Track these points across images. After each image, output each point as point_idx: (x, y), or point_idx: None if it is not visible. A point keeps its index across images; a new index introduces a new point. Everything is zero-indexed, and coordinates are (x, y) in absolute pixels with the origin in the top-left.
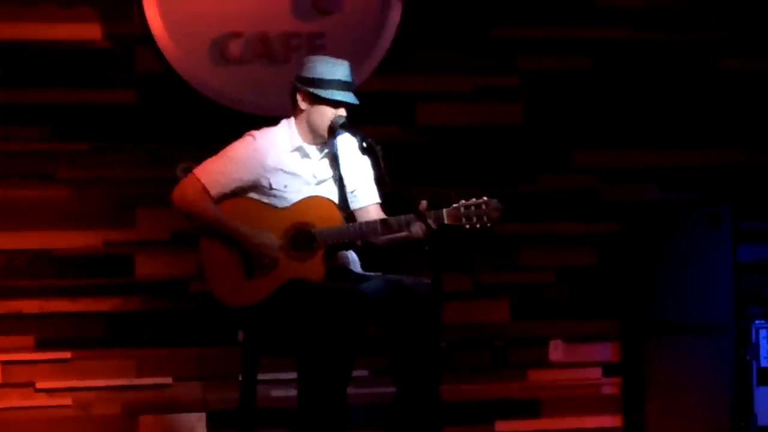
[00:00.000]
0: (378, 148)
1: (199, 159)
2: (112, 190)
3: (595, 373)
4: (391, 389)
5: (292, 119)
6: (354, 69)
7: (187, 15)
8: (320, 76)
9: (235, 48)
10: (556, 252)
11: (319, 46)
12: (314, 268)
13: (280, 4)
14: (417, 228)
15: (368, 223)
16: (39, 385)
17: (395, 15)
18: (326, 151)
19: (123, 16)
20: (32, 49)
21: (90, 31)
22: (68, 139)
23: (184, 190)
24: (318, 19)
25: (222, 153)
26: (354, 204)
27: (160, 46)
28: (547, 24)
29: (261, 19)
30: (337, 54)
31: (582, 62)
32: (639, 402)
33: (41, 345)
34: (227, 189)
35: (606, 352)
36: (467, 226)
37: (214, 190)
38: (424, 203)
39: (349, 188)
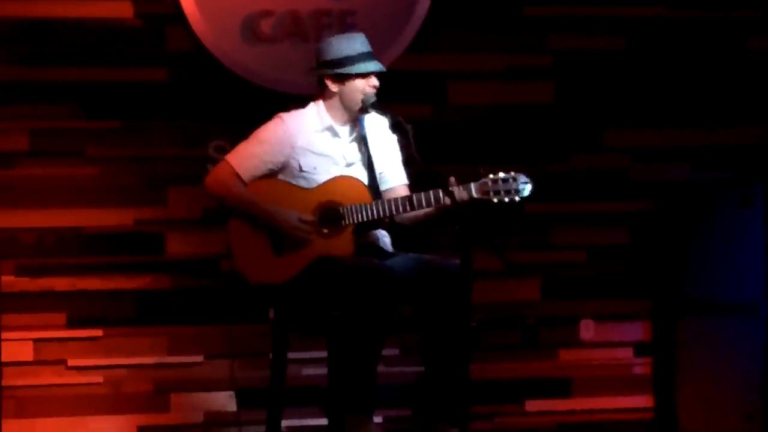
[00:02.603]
0: (409, 126)
1: (230, 137)
2: (142, 168)
3: (627, 352)
4: (422, 368)
5: (320, 101)
6: (376, 47)
7: None
8: (343, 54)
9: (266, 26)
10: (588, 231)
11: (350, 24)
12: (343, 245)
13: None
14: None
15: (395, 200)
16: (70, 362)
17: None
18: (355, 133)
19: None
20: (63, 27)
21: (121, 9)
22: (99, 117)
23: (216, 176)
24: None
25: (252, 136)
26: (382, 185)
27: (191, 24)
28: (580, 2)
29: None
30: (368, 32)
31: (614, 41)
32: (670, 382)
33: (72, 323)
34: (258, 172)
35: (637, 331)
36: (495, 200)
37: (246, 174)
38: (452, 179)
39: (377, 170)
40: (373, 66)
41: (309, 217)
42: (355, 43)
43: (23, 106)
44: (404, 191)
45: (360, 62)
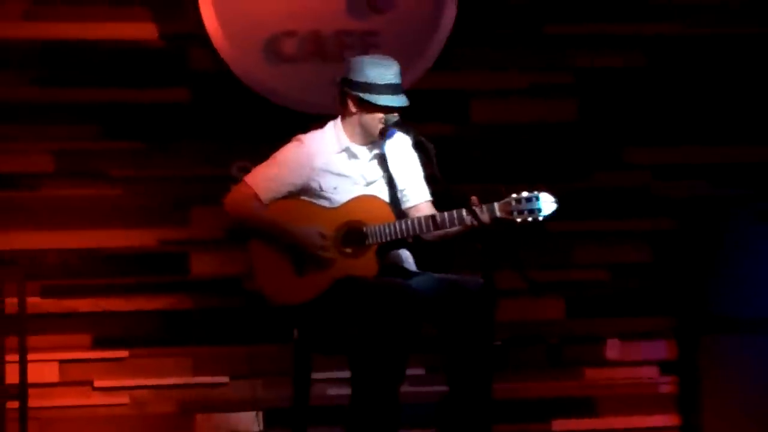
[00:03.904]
0: (431, 146)
1: (253, 157)
2: (166, 188)
3: (652, 371)
4: (447, 388)
5: (339, 120)
6: (401, 68)
7: (241, 14)
8: (372, 81)
9: (289, 46)
10: (611, 249)
11: (372, 44)
12: (366, 265)
13: (335, 3)
14: (470, 219)
15: (418, 219)
16: (96, 383)
17: (450, 13)
18: (375, 152)
19: (177, 15)
20: (86, 49)
21: (144, 31)
22: (123, 138)
23: (235, 198)
24: (372, 17)
25: (271, 158)
26: (405, 203)
27: (214, 45)
28: (601, 20)
29: (315, 17)
30: (391, 52)
31: (635, 59)
32: (695, 401)
33: (98, 344)
34: (278, 194)
35: (662, 350)
36: (519, 220)
37: (265, 196)
38: (474, 198)
39: (399, 187)
40: (396, 101)
41: (329, 233)
42: (386, 73)
43: (47, 128)
44: (428, 208)
45: (385, 94)
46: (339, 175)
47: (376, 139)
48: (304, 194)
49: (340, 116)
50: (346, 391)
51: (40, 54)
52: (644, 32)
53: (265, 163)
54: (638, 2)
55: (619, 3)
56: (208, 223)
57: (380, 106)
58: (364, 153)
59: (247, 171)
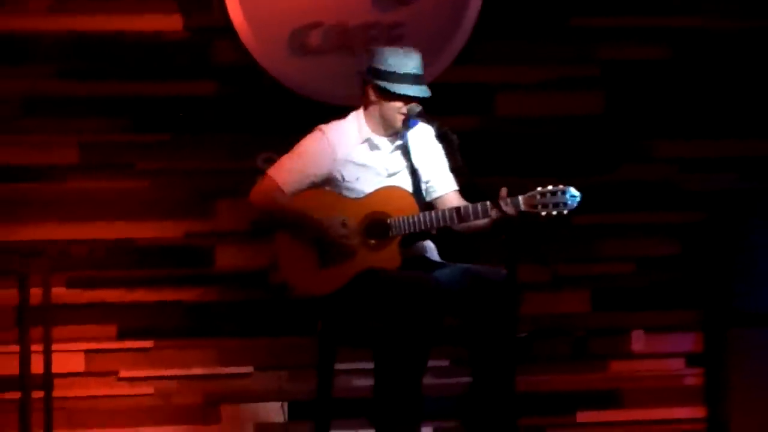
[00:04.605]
0: (454, 137)
1: (279, 149)
2: (191, 181)
3: (678, 363)
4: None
5: (361, 111)
6: (426, 60)
7: (267, 6)
8: (392, 69)
9: (314, 38)
10: (637, 242)
11: (397, 36)
12: (390, 257)
13: None
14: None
15: (443, 212)
16: (121, 374)
17: (475, 4)
18: (397, 143)
19: (202, 8)
20: (112, 41)
21: (169, 23)
22: (149, 130)
23: (259, 191)
24: (397, 9)
25: (293, 150)
26: (432, 194)
27: (240, 37)
28: (628, 13)
29: (340, 9)
30: (416, 44)
31: (661, 51)
32: (722, 393)
33: (123, 334)
34: (301, 185)
35: (689, 342)
36: (543, 213)
37: (289, 187)
38: (504, 190)
39: (423, 178)
40: (415, 91)
41: (353, 224)
42: (408, 62)
43: (73, 120)
44: (455, 198)
45: (405, 83)
46: (361, 165)
47: (397, 130)
48: (327, 184)
49: (362, 107)
50: (369, 382)
51: (66, 46)
52: (670, 24)
53: (287, 155)
54: None
55: None
56: (234, 215)
57: (398, 94)
58: (386, 144)
59: (273, 162)
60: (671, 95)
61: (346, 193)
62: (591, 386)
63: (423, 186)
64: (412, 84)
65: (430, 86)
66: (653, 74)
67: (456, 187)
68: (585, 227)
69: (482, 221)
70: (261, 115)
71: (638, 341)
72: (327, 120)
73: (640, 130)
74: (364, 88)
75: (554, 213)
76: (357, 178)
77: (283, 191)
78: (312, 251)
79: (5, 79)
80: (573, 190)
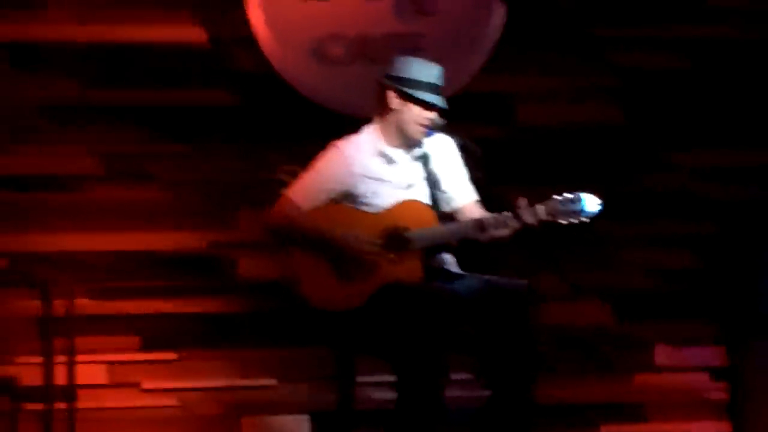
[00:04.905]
0: (477, 148)
1: (300, 160)
2: (213, 191)
3: (702, 377)
4: None
5: (377, 123)
6: (445, 70)
7: (289, 16)
8: (413, 77)
9: (336, 49)
10: (658, 252)
11: (419, 47)
12: (411, 270)
13: (382, 6)
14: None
15: (464, 223)
16: (144, 385)
17: (498, 16)
18: (414, 153)
19: (224, 19)
20: (134, 51)
21: (191, 33)
22: (170, 140)
23: (277, 211)
24: (419, 20)
25: (309, 167)
26: (451, 204)
27: (262, 47)
28: (645, 23)
29: (362, 20)
30: (438, 55)
31: (681, 61)
32: (745, 407)
33: (146, 345)
34: (318, 201)
35: (712, 355)
36: (563, 222)
37: (306, 204)
38: (522, 200)
39: (443, 189)
40: (435, 99)
41: (375, 239)
42: (428, 72)
43: (95, 130)
44: (476, 208)
45: (426, 91)
46: (377, 179)
47: (414, 140)
48: (344, 200)
49: (377, 119)
50: (390, 395)
51: (89, 56)
52: (690, 35)
53: (304, 173)
54: (685, 5)
55: (666, 6)
56: (256, 225)
57: (420, 100)
58: (402, 156)
59: (294, 174)
60: (691, 106)
61: (364, 207)
62: (615, 399)
63: (442, 196)
64: (431, 93)
65: (452, 98)
66: (673, 84)
67: (476, 197)
68: (606, 237)
69: (502, 231)
70: (282, 125)
71: (662, 354)
72: (348, 130)
73: (660, 140)
74: (382, 96)
75: (574, 221)
76: (374, 192)
77: (300, 209)
78: (331, 266)
79: (27, 87)
80: (592, 198)
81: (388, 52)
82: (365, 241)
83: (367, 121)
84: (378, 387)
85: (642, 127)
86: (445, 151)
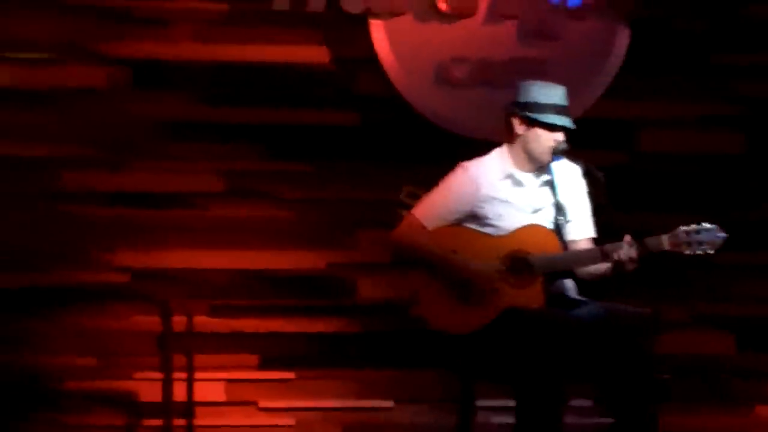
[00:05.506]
0: (601, 174)
1: (421, 182)
2: (333, 211)
3: None
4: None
5: (505, 147)
6: (569, 93)
7: (413, 39)
8: (536, 100)
9: (459, 72)
10: None
11: (542, 71)
12: (533, 296)
13: (506, 30)
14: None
15: (587, 251)
16: (261, 404)
17: (622, 41)
18: (542, 178)
19: (348, 40)
20: (257, 71)
21: (316, 54)
22: (292, 159)
23: (403, 231)
24: (542, 44)
25: (436, 187)
26: (567, 236)
27: (385, 69)
28: (764, 51)
29: (486, 44)
30: (561, 79)
31: None
32: None
33: (264, 364)
34: (443, 222)
35: None
36: (687, 253)
37: (431, 224)
38: (627, 237)
39: (566, 218)
40: (560, 120)
41: (494, 261)
42: (552, 94)
43: (218, 148)
44: (589, 245)
45: (550, 113)
46: (504, 202)
47: (542, 164)
48: (468, 221)
49: (506, 143)
50: (509, 419)
51: (211, 75)
52: None
53: (430, 193)
54: None
55: None
56: (376, 246)
57: (543, 123)
58: (531, 180)
59: (416, 195)
60: None
61: (488, 229)
62: (734, 430)
63: (564, 225)
64: (556, 114)
65: (574, 122)
66: None
67: (593, 234)
68: (728, 266)
69: (625, 260)
70: (404, 146)
71: None
72: (468, 153)
73: None
74: (508, 123)
75: (699, 252)
76: (500, 215)
77: (425, 228)
78: (452, 289)
79: (149, 105)
80: (718, 229)
81: (511, 76)
82: (490, 267)
83: (489, 144)
84: (496, 411)
85: (764, 156)
86: (572, 181)
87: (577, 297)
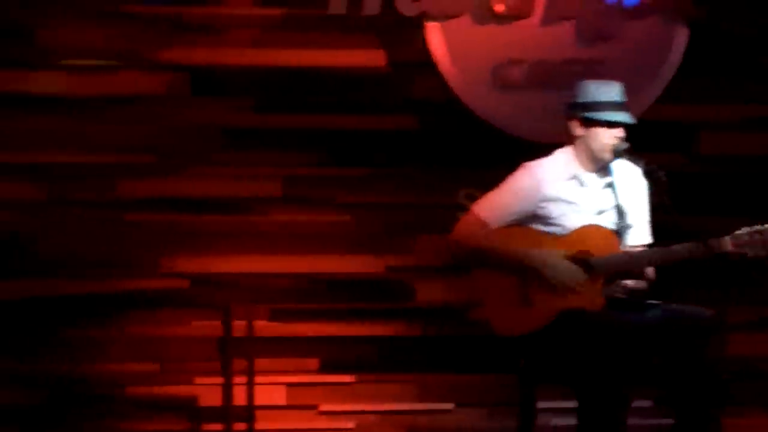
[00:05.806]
0: (662, 173)
1: (480, 185)
2: (391, 215)
3: None
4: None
5: (568, 148)
6: (626, 90)
7: (469, 41)
8: (593, 99)
9: (516, 74)
10: None
11: (599, 71)
12: (593, 297)
13: (562, 31)
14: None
15: (649, 252)
16: (322, 407)
17: (680, 42)
18: (605, 180)
19: (404, 43)
20: (314, 75)
21: (373, 58)
22: (350, 164)
23: (463, 228)
24: (600, 45)
25: (499, 186)
26: (626, 240)
27: (442, 72)
28: None
29: (542, 46)
30: (619, 80)
31: None
32: None
33: (325, 368)
34: (505, 221)
35: None
36: (751, 254)
37: (494, 224)
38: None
39: (626, 221)
40: (620, 117)
41: (574, 267)
42: (608, 91)
43: (276, 153)
44: None
45: (609, 111)
46: (568, 202)
47: (604, 163)
48: (530, 221)
49: (569, 144)
50: (570, 421)
51: (267, 80)
52: None
53: (492, 192)
54: None
55: None
56: (433, 250)
57: (602, 121)
58: (594, 180)
59: (474, 198)
60: None
61: (550, 229)
62: None
63: (623, 228)
64: (613, 111)
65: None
66: None
67: (649, 241)
68: None
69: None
70: (461, 150)
71: None
72: (528, 156)
73: None
74: (568, 125)
75: (763, 254)
76: (563, 215)
77: (487, 226)
78: (513, 289)
79: (207, 111)
80: None
81: (567, 77)
82: (560, 261)
83: (547, 146)
84: (557, 413)
85: None
86: (632, 183)
87: (639, 299)
